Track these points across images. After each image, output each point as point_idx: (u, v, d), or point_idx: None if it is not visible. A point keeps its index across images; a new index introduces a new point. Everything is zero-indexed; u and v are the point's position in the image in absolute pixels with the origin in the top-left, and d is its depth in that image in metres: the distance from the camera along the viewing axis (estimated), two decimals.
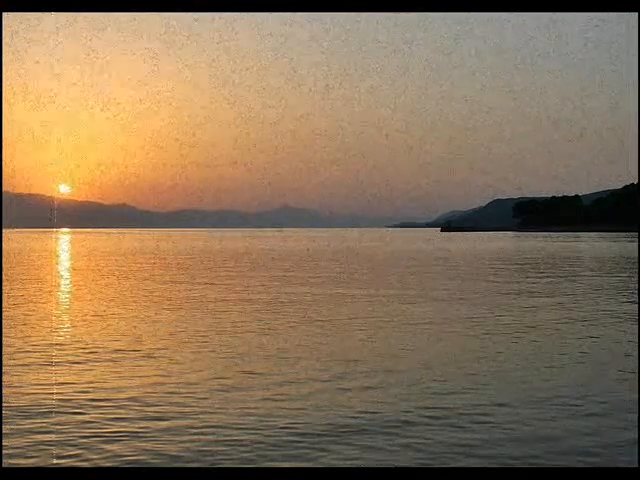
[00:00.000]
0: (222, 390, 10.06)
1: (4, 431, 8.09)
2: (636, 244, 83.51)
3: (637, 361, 12.01)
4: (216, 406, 9.20)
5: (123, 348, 13.46)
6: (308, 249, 72.51)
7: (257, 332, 15.41)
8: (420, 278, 31.36)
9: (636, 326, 16.08)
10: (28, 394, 9.85)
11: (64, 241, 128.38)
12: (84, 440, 7.82)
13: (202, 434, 8.02)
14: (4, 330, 15.54)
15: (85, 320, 17.52)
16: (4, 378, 10.76)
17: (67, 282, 30.41)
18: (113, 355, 12.77)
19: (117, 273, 35.71)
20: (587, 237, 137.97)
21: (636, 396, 9.69)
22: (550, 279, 30.64)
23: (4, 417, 8.63)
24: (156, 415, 8.80)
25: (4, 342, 13.91)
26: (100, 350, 13.25)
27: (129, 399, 9.57)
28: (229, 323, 16.83)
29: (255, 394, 9.82)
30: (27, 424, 8.41)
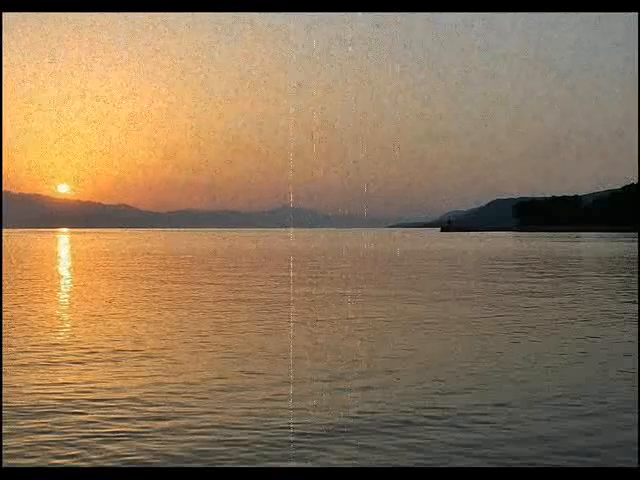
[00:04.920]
0: (222, 390, 10.06)
1: (4, 431, 8.09)
2: (636, 244, 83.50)
3: (637, 361, 12.01)
4: (216, 406, 9.19)
5: (123, 348, 13.46)
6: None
7: (257, 332, 15.40)
8: (420, 278, 31.35)
9: (636, 326, 16.08)
10: (28, 394, 9.84)
11: (64, 241, 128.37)
12: (84, 440, 7.82)
13: (202, 434, 8.02)
14: (4, 330, 15.54)
15: (85, 320, 17.51)
16: (4, 378, 10.76)
17: (67, 282, 30.41)
18: (113, 355, 12.77)
19: (117, 273, 35.71)
20: (587, 237, 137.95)
21: (636, 396, 9.69)
22: (550, 279, 30.64)
23: (4, 417, 8.63)
24: (156, 415, 8.80)
25: (4, 342, 13.91)
26: (100, 350, 13.25)
27: (129, 399, 9.57)
28: (229, 323, 16.84)
29: (255, 394, 9.82)
30: (27, 424, 8.40)
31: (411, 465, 7.07)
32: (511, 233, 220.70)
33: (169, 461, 7.17)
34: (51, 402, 9.43)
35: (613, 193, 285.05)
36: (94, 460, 7.20)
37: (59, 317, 18.16)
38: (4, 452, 7.38)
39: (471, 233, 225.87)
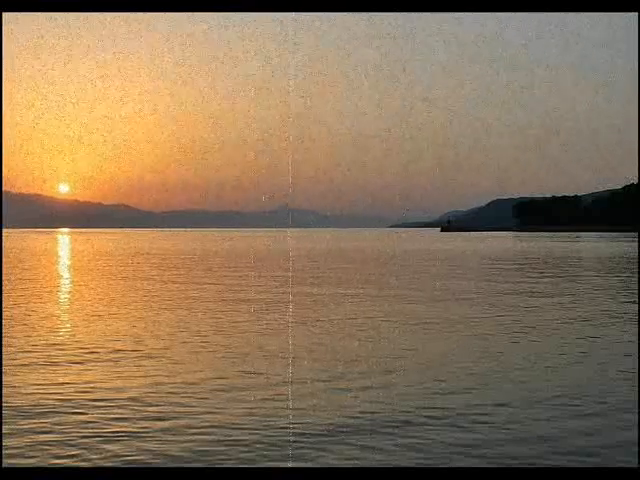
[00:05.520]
0: (222, 390, 10.06)
1: (4, 431, 8.09)
2: (636, 244, 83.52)
3: (637, 361, 12.01)
4: (216, 406, 9.19)
5: (123, 348, 13.46)
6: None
7: (257, 332, 15.41)
8: (420, 278, 31.35)
9: (636, 326, 16.08)
10: (28, 394, 9.84)
11: (64, 241, 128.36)
12: (84, 440, 7.82)
13: (202, 434, 8.02)
14: (4, 330, 15.54)
15: (85, 320, 17.51)
16: (4, 378, 10.76)
17: (67, 282, 30.42)
18: (113, 355, 12.77)
19: (117, 273, 35.71)
20: (587, 237, 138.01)
21: (636, 396, 9.69)
22: (550, 279, 30.64)
23: (4, 417, 8.63)
24: (156, 415, 8.80)
25: (4, 342, 13.91)
26: (100, 350, 13.25)
27: (129, 399, 9.57)
28: (229, 323, 16.84)
29: (255, 394, 9.82)
30: (27, 424, 8.40)
31: (411, 465, 7.07)
32: (511, 233, 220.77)
33: (169, 461, 7.17)
34: (51, 402, 9.43)
35: (613, 193, 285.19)
36: (94, 460, 7.20)
37: (59, 317, 18.17)
38: (4, 452, 7.38)
39: (471, 233, 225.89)
